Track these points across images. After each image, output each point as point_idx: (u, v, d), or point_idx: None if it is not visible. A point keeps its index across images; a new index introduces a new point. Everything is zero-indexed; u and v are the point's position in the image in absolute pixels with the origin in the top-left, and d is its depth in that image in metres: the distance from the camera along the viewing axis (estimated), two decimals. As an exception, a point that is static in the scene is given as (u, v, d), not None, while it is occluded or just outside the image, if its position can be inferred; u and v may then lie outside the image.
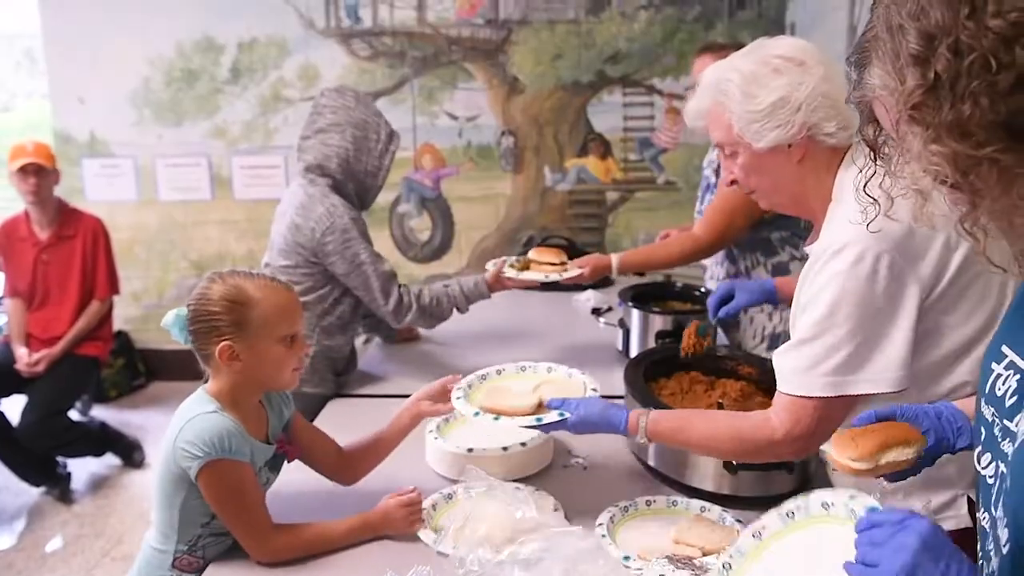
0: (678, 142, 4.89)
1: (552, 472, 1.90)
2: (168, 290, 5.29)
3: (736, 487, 1.70)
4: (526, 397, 1.70)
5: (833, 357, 1.38)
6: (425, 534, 1.60)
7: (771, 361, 2.04)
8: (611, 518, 1.64)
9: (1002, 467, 0.96)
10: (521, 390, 1.76)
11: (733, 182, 1.63)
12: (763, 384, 1.99)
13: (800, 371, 1.41)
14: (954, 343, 1.42)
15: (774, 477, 1.69)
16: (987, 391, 1.03)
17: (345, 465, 1.78)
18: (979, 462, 1.03)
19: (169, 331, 1.57)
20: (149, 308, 5.29)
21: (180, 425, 1.52)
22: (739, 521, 1.59)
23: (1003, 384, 0.99)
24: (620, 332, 2.69)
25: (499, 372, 1.91)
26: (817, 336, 1.39)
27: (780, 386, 1.46)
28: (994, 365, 1.02)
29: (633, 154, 4.95)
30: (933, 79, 0.84)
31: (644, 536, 1.60)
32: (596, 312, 3.17)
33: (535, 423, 1.63)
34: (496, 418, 1.66)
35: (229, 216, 5.16)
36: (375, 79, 4.92)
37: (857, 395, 1.38)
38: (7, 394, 3.86)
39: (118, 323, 4.64)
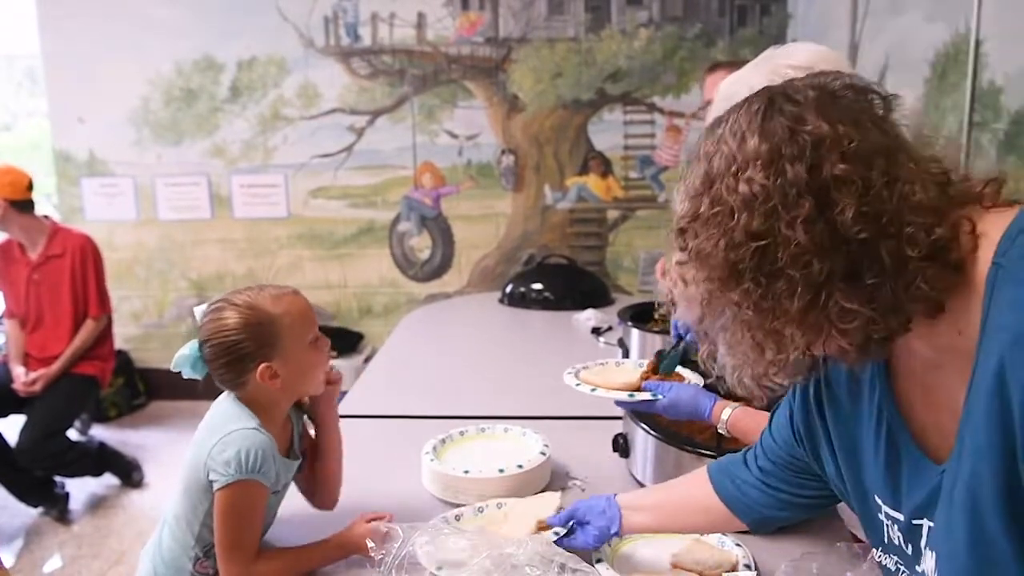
0: (679, 160, 4.88)
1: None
2: (168, 309, 5.28)
3: (736, 510, 1.67)
4: (628, 376, 1.84)
5: None
6: (430, 562, 1.56)
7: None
8: (608, 541, 1.61)
9: None
10: (628, 373, 1.91)
11: None
12: (760, 407, 1.96)
13: None
14: None
15: (774, 500, 1.66)
16: (885, 542, 1.03)
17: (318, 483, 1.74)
18: None
19: (182, 370, 1.53)
20: (149, 327, 5.28)
21: (217, 437, 1.48)
22: (738, 545, 1.56)
23: (894, 533, 1.01)
24: (619, 351, 2.67)
25: (618, 364, 2.07)
26: None
27: None
28: (879, 516, 1.03)
29: (634, 172, 4.94)
30: (694, 214, 0.91)
31: (641, 559, 1.58)
32: (596, 331, 3.16)
33: (627, 398, 1.76)
34: (593, 389, 1.81)
35: (228, 235, 5.16)
36: (375, 97, 4.93)
37: None
38: (5, 414, 3.83)
39: (117, 342, 4.62)
